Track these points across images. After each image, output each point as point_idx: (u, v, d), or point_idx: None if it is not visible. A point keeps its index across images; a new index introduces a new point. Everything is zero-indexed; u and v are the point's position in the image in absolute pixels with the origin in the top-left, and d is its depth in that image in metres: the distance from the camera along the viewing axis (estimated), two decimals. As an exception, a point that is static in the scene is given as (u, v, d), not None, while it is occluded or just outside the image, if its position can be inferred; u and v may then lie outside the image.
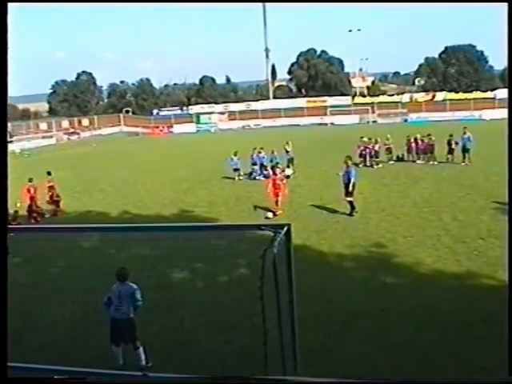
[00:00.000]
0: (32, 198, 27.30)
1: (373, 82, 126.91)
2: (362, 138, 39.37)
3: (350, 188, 23.81)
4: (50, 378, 6.88)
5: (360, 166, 37.66)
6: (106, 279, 12.09)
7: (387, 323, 13.03)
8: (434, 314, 13.19)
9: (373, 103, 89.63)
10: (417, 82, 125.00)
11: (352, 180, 23.84)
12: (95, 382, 5.71)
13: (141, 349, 11.69)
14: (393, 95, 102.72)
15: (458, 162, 35.29)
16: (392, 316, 13.39)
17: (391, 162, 38.41)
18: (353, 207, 23.81)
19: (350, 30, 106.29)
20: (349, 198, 23.80)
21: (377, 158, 38.47)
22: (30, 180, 29.29)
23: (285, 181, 26.99)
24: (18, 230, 21.20)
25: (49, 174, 29.89)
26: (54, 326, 14.00)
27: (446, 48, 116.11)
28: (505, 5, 7.19)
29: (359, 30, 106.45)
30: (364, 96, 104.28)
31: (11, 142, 75.90)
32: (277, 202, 25.03)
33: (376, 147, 38.97)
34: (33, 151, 66.90)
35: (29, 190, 28.03)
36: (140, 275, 14.38)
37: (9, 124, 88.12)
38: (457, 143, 36.18)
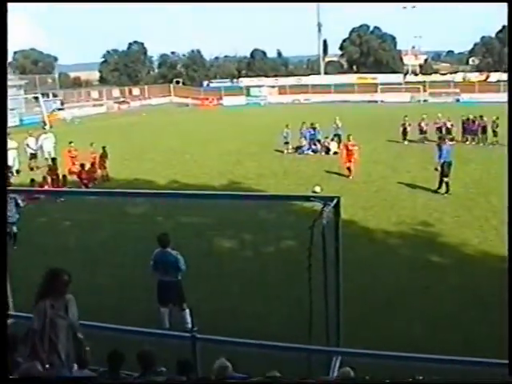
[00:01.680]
0: (82, 165, 27.80)
1: (425, 61, 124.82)
2: (405, 116, 39.04)
3: (446, 168, 23.43)
4: (50, 377, 7.11)
5: (405, 143, 37.49)
6: (153, 245, 12.32)
7: (431, 300, 13.07)
8: (478, 295, 13.18)
9: (424, 82, 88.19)
10: (471, 62, 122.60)
11: (444, 160, 23.44)
12: (97, 382, 5.90)
13: (187, 311, 11.96)
14: (445, 74, 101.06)
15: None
16: (436, 294, 13.44)
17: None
18: (447, 188, 23.48)
19: (405, 7, 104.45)
20: (445, 179, 23.42)
21: (425, 136, 38.24)
22: (91, 144, 30.14)
23: (356, 147, 28.07)
24: (68, 193, 21.78)
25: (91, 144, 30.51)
26: (104, 288, 14.36)
27: (504, 27, 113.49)
28: (504, 5, 7.17)
29: (414, 6, 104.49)
30: (416, 74, 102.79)
31: (62, 109, 76.80)
32: (349, 169, 27.46)
33: (424, 125, 38.71)
34: (83, 119, 67.54)
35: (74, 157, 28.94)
36: (188, 242, 14.62)
37: (61, 91, 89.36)
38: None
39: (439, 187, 23.52)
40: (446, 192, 23.23)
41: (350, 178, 27.10)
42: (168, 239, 12.15)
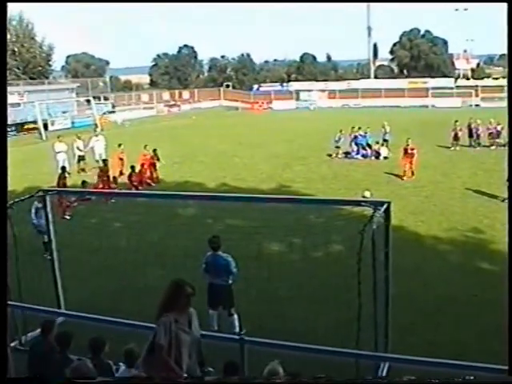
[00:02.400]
0: (132, 167, 28.18)
1: (478, 65, 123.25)
2: (456, 121, 38.62)
3: None
4: (50, 377, 7.20)
5: (456, 148, 37.05)
6: (203, 247, 12.43)
7: (480, 309, 12.91)
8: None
9: (476, 86, 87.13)
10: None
11: None
12: (99, 381, 5.96)
13: (235, 316, 12.04)
14: (498, 78, 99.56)
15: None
16: (485, 302, 13.25)
17: (493, 147, 37.44)
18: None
19: (457, 9, 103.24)
20: None
21: (477, 141, 37.91)
22: (145, 147, 30.65)
23: (415, 150, 28.77)
24: (119, 194, 22.05)
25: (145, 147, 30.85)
26: (154, 289, 14.54)
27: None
28: (504, 5, 7.08)
29: (466, 9, 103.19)
30: (468, 78, 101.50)
31: (113, 112, 77.76)
32: (405, 172, 28.31)
33: (479, 130, 38.33)
34: (134, 121, 68.32)
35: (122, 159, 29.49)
36: (236, 245, 14.66)
37: (111, 95, 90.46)
38: None
39: None
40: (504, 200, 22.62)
41: (411, 178, 28.04)
42: (219, 242, 12.33)
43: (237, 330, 11.81)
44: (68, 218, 22.42)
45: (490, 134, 38.29)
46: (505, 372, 6.29)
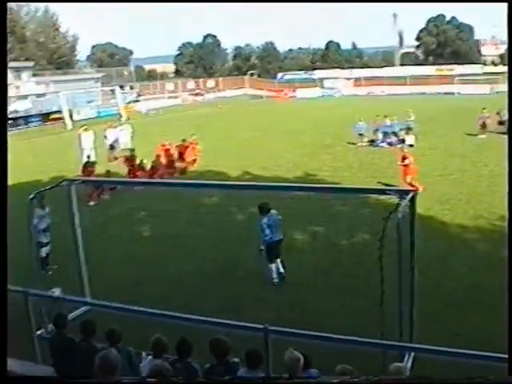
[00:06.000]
0: (158, 156, 28.31)
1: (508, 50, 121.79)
2: (483, 109, 38.19)
3: None
4: (50, 377, 7.18)
5: (483, 136, 36.63)
6: (227, 234, 12.46)
7: (506, 299, 12.74)
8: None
9: (505, 73, 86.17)
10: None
11: None
12: (96, 382, 5.93)
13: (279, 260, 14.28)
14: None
15: None
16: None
17: (521, 135, 37.05)
18: None
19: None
20: None
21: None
22: (183, 141, 31.07)
23: (410, 159, 24.31)
24: (140, 183, 22.14)
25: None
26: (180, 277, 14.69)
27: None
28: (505, 5, 6.94)
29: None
30: (496, 65, 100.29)
31: (138, 101, 78.00)
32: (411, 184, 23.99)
33: (504, 117, 37.91)
34: (159, 111, 68.43)
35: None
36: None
37: (136, 84, 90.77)
38: None
39: None
40: None
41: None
42: (268, 206, 14.27)
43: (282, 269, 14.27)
44: (92, 204, 22.57)
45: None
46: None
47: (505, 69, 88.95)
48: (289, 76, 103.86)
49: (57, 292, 11.26)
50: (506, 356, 6.64)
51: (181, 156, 29.60)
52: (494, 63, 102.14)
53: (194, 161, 29.68)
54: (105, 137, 33.88)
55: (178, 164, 29.09)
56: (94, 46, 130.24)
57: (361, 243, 16.26)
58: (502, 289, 13.19)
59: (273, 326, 7.69)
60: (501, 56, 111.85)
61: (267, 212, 14.18)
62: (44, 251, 15.12)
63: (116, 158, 31.90)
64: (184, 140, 30.75)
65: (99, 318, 9.34)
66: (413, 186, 22.55)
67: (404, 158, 24.18)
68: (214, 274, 14.84)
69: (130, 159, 27.49)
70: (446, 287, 13.42)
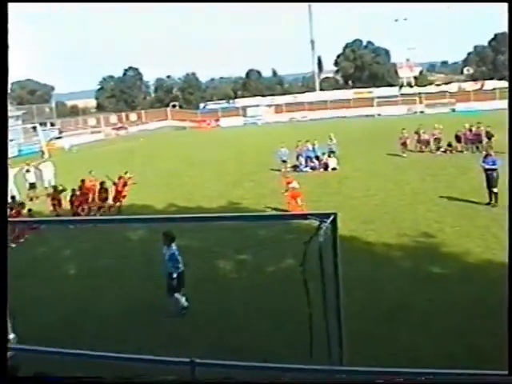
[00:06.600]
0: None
1: (420, 72, 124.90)
2: (403, 129, 39.30)
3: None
4: (50, 377, 7.03)
5: (404, 155, 37.50)
6: (155, 270, 12.34)
7: (434, 313, 12.96)
8: (483, 305, 13.03)
9: (420, 93, 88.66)
10: (465, 71, 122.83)
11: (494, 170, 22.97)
12: (94, 381, 5.79)
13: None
14: (440, 85, 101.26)
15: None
16: (439, 306, 13.31)
17: (438, 153, 38.03)
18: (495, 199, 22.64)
19: (397, 20, 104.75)
20: (494, 190, 22.67)
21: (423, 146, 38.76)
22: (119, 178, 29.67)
23: (295, 182, 25.34)
24: (65, 221, 21.71)
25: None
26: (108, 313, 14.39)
27: (496, 35, 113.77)
28: (505, 5, 7.18)
29: (405, 19, 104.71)
30: (411, 86, 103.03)
31: (60, 137, 76.99)
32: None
33: (426, 136, 39.26)
34: (82, 146, 67.62)
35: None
36: (189, 265, 14.59)
37: (58, 120, 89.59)
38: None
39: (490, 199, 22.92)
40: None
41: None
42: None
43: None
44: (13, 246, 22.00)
45: (435, 139, 38.94)
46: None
47: (420, 89, 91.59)
48: (211, 106, 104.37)
49: (11, 337, 10.91)
50: (431, 370, 6.75)
51: (119, 193, 28.46)
52: (409, 85, 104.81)
53: (124, 197, 28.84)
54: (25, 174, 33.16)
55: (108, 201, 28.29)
56: (13, 83, 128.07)
57: (287, 269, 16.29)
58: (429, 304, 13.50)
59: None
60: (415, 78, 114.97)
61: (173, 241, 14.07)
62: None
63: (37, 197, 31.26)
64: (120, 177, 29.54)
65: (24, 362, 9.06)
66: (301, 207, 23.41)
67: (288, 183, 25.00)
68: (139, 311, 14.59)
69: (56, 197, 26.99)
70: (374, 306, 13.54)
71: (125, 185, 28.14)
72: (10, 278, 11.51)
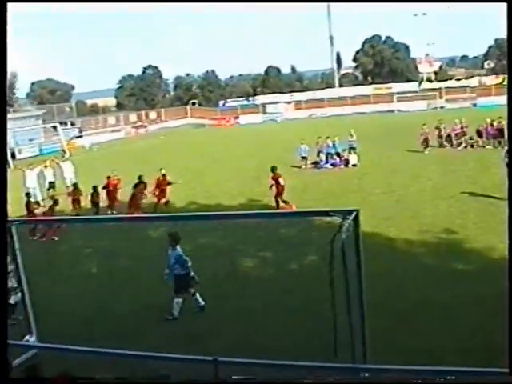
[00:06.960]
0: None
1: (440, 67, 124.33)
2: (423, 124, 38.96)
3: None
4: (50, 377, 7.03)
5: (425, 151, 37.25)
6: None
7: (458, 311, 12.85)
8: (506, 302, 12.86)
9: (440, 88, 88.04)
10: (486, 65, 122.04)
11: None
12: (94, 382, 5.77)
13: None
14: (461, 79, 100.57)
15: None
16: (463, 303, 13.20)
17: (460, 148, 37.74)
18: None
19: (416, 15, 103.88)
20: None
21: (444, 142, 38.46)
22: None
23: (280, 179, 25.19)
24: (79, 220, 21.72)
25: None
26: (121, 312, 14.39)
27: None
28: (505, 5, 7.11)
29: (424, 13, 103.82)
30: (431, 81, 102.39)
31: (81, 136, 77.35)
32: (285, 202, 24.69)
33: (447, 131, 38.95)
34: (102, 145, 67.82)
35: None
36: (210, 263, 14.58)
37: (78, 119, 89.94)
38: None
39: None
40: None
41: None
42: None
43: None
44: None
45: (456, 134, 38.63)
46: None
47: (440, 84, 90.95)
48: (230, 103, 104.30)
49: (31, 339, 10.84)
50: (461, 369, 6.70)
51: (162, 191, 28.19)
52: (429, 80, 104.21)
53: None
54: (42, 174, 33.22)
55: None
56: (33, 83, 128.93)
57: (310, 266, 16.24)
58: (451, 300, 13.39)
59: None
60: (435, 73, 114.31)
61: (178, 242, 13.85)
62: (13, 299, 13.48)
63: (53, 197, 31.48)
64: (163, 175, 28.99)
65: (47, 361, 9.11)
66: (287, 203, 24.08)
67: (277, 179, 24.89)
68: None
69: (77, 194, 27.09)
70: (397, 303, 13.45)
71: (168, 183, 28.08)
72: (32, 274, 11.56)
